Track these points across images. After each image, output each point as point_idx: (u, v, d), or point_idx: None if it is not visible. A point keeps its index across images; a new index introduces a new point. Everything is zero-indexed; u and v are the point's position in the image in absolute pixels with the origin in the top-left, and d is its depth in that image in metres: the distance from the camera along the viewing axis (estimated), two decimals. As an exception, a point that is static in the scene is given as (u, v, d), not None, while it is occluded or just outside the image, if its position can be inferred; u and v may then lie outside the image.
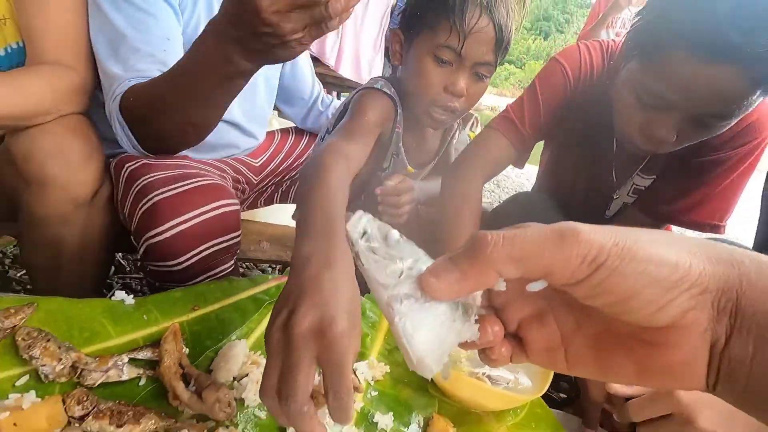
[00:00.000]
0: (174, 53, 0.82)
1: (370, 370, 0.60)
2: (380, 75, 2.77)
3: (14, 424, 0.39)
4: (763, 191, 0.83)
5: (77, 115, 0.81)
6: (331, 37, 2.31)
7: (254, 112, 1.23)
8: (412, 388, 0.61)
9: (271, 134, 1.54)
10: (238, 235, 0.71)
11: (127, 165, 0.73)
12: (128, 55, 0.75)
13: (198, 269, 0.67)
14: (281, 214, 1.67)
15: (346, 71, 2.39)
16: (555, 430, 0.61)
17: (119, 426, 0.42)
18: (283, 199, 1.53)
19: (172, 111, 0.68)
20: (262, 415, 0.50)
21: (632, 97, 0.75)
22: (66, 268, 0.84)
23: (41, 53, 0.78)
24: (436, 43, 0.85)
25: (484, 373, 0.58)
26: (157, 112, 0.69)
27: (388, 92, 0.96)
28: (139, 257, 0.70)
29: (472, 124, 2.57)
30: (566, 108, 0.94)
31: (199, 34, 0.64)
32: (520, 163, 1.06)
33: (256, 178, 1.35)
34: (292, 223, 1.47)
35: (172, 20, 0.85)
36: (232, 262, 0.72)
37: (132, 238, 0.69)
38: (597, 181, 1.01)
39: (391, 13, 2.46)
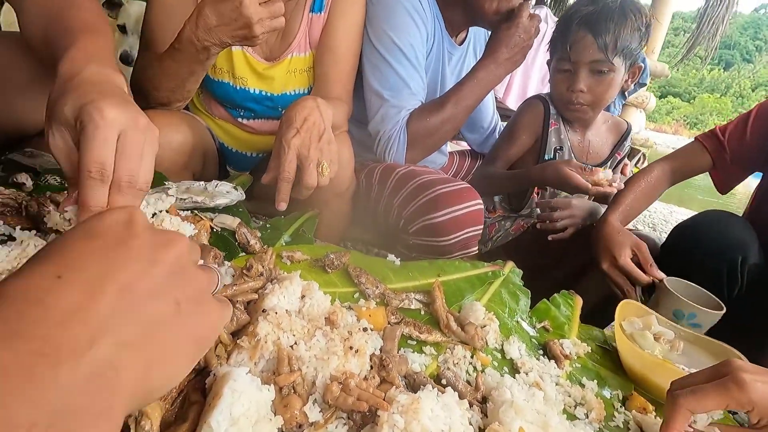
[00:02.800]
0: (423, 96, 1.21)
1: (574, 347, 0.75)
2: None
3: (369, 315, 0.65)
4: None
5: (346, 132, 1.14)
6: (502, 72, 2.52)
7: None
8: (608, 368, 0.74)
9: (451, 155, 1.80)
10: (482, 228, 0.94)
11: (396, 170, 1.04)
12: (409, 97, 1.12)
13: (457, 248, 0.92)
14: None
15: (512, 102, 2.56)
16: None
17: (420, 333, 0.66)
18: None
19: (454, 121, 1.11)
20: (498, 354, 0.70)
21: None
22: (319, 237, 1.18)
23: (330, 92, 1.13)
24: (556, 59, 1.23)
25: (682, 368, 0.68)
26: (443, 122, 1.10)
27: (542, 96, 1.35)
28: (408, 233, 0.97)
29: (639, 159, 2.54)
30: None
31: (428, 74, 1.23)
32: (724, 188, 1.12)
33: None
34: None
35: (424, 71, 1.19)
36: (476, 248, 0.96)
37: (401, 221, 0.98)
38: None
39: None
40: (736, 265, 0.91)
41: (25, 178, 0.71)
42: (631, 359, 0.72)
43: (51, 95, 0.49)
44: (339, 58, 1.12)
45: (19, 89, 0.76)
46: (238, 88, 1.09)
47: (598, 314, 0.90)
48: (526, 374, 0.66)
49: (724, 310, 0.83)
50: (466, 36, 1.41)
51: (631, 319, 0.81)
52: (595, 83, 1.20)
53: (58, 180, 0.74)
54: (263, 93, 1.12)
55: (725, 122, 1.15)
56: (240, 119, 1.20)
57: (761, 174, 1.13)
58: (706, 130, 1.17)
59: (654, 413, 0.66)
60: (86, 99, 0.45)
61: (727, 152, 1.09)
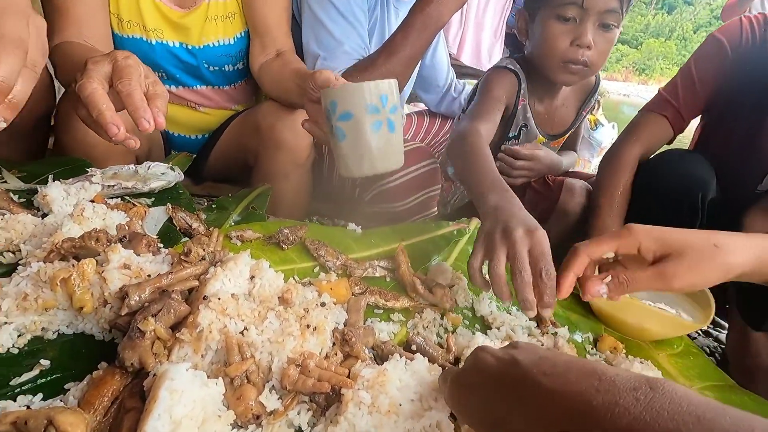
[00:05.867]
0: (365, 52, 1.10)
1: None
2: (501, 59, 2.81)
3: (331, 289, 0.61)
4: None
5: None
6: (454, 26, 2.43)
7: (401, 96, 1.46)
8: (577, 312, 0.74)
9: (409, 116, 1.74)
10: (439, 187, 0.90)
11: None
12: (342, 56, 1.03)
13: (415, 210, 0.88)
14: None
15: (466, 58, 2.50)
16: (707, 367, 0.69)
17: (386, 300, 0.63)
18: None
19: (392, 75, 0.94)
20: (469, 313, 0.68)
21: None
22: (281, 212, 1.11)
23: (277, 44, 1.02)
24: (558, 4, 0.98)
25: (648, 303, 0.69)
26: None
27: (512, 68, 1.11)
28: (366, 201, 0.93)
29: (593, 107, 2.55)
30: (726, 83, 0.97)
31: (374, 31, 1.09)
32: (673, 140, 1.11)
33: (406, 152, 1.59)
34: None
35: (365, 28, 1.10)
36: (435, 209, 0.92)
37: (356, 190, 0.93)
38: (754, 156, 1.01)
39: (513, 2, 2.51)
40: (696, 200, 0.92)
41: None
42: (599, 301, 0.72)
43: None
44: (273, 3, 1.00)
45: None
46: (153, 42, 0.96)
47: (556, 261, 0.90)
48: (498, 329, 0.65)
49: (376, 82, 0.60)
50: None
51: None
52: (601, 40, 0.99)
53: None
54: (183, 46, 0.99)
55: (671, 66, 1.12)
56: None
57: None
58: (654, 74, 1.14)
59: (625, 351, 0.66)
60: None
61: (683, 115, 1.05)
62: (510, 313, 0.69)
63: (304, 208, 1.14)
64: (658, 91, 1.09)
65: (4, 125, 0.43)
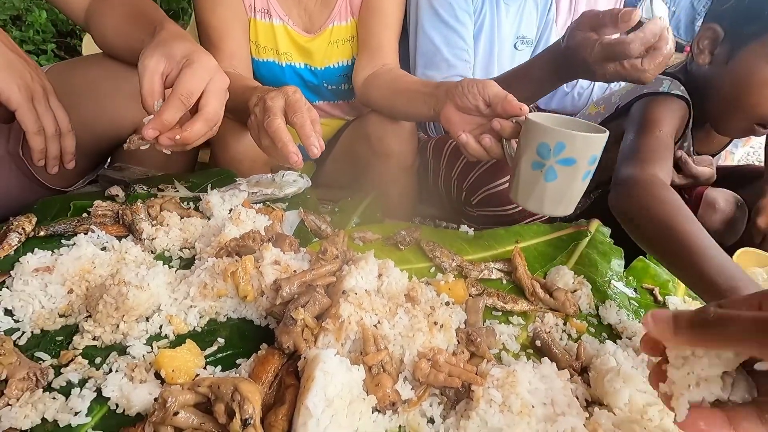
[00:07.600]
0: (468, 56, 1.10)
1: (684, 306, 0.67)
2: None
3: (449, 289, 0.63)
4: None
5: None
6: (563, 14, 2.28)
7: None
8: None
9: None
10: None
11: (448, 141, 0.99)
12: (441, 63, 1.03)
13: (526, 214, 0.86)
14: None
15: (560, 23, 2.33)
16: None
17: (505, 303, 0.63)
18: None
19: None
20: (594, 320, 0.64)
21: None
22: (389, 215, 1.16)
23: (385, 57, 1.07)
24: None
25: None
26: None
27: (679, 93, 0.88)
28: (472, 205, 0.94)
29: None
30: None
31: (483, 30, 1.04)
32: None
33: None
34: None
35: (470, 31, 1.09)
36: None
37: (462, 194, 0.94)
38: None
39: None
40: None
41: (117, 191, 0.77)
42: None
43: (158, 39, 0.63)
44: (389, 22, 1.04)
45: (110, 97, 0.82)
46: (283, 65, 1.07)
47: None
48: (629, 339, 0.60)
49: (606, 134, 0.58)
50: None
51: (752, 270, 0.70)
52: None
53: (145, 188, 0.80)
54: (308, 67, 1.09)
55: None
56: None
57: None
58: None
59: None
60: (196, 47, 0.62)
61: None
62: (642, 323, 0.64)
63: (411, 210, 1.18)
64: None
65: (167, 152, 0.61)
